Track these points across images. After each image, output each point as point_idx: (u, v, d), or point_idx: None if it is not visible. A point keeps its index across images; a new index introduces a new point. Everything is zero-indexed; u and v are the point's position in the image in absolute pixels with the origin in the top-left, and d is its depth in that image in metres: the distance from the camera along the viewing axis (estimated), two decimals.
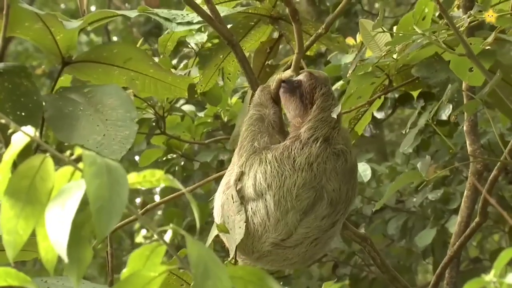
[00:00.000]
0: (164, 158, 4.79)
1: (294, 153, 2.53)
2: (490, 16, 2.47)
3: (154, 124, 4.15)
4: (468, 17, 2.63)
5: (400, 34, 2.69)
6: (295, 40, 2.69)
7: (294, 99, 2.64)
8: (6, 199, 1.34)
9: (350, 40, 3.34)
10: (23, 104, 2.67)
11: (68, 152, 1.37)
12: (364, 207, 5.12)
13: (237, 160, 2.66)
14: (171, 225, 1.43)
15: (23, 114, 2.65)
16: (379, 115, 3.88)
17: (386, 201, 4.58)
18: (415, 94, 3.34)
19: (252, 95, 2.76)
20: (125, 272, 1.41)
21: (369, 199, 5.08)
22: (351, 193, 2.65)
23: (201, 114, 4.48)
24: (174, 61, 4.23)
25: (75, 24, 2.74)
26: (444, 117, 3.28)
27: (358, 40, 3.30)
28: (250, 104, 2.77)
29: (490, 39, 2.67)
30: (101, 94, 2.68)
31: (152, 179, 1.41)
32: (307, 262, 2.84)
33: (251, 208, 2.58)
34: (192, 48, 3.77)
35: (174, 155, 4.82)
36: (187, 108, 4.34)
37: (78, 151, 1.34)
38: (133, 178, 1.40)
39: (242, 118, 2.78)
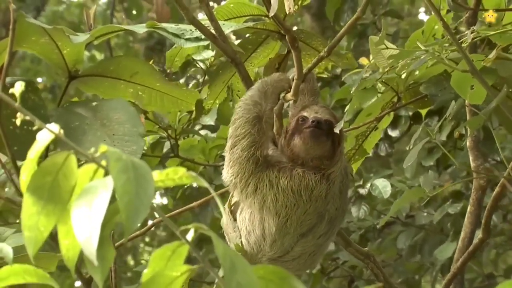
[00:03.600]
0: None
1: (312, 183, 2.50)
2: (490, 16, 2.49)
3: (168, 147, 4.12)
4: (471, 33, 2.65)
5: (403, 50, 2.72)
6: (295, 66, 2.69)
7: (327, 143, 2.56)
8: (28, 196, 1.33)
9: (364, 60, 3.34)
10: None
11: (92, 149, 1.36)
12: (377, 221, 5.16)
13: (231, 163, 2.57)
14: (193, 224, 1.42)
15: (30, 128, 2.64)
16: (394, 133, 3.92)
17: (396, 216, 4.61)
18: (423, 112, 3.35)
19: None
20: (146, 272, 1.40)
21: (380, 212, 5.10)
22: (346, 205, 2.71)
23: (213, 135, 4.45)
24: (182, 80, 4.22)
25: (82, 38, 2.74)
26: None
27: (372, 60, 3.28)
28: (260, 80, 2.70)
29: (492, 56, 2.69)
30: (108, 109, 2.67)
31: (174, 176, 1.41)
32: (309, 268, 2.86)
33: (246, 227, 2.59)
34: (200, 66, 3.74)
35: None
36: (203, 132, 4.32)
37: (102, 148, 1.34)
38: (157, 176, 1.39)
39: None
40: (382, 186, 4.28)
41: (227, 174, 2.57)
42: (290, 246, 2.57)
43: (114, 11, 9.74)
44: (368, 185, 4.40)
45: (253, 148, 2.54)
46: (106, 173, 1.34)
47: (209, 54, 3.51)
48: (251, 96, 2.62)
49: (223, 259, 1.29)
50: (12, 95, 1.43)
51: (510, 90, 2.75)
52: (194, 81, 4.11)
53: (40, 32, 2.73)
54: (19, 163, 2.54)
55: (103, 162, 1.36)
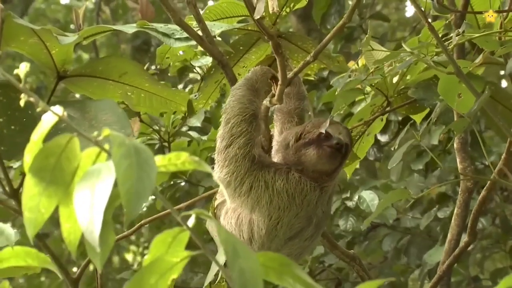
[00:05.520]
0: (169, 183, 4.75)
1: (307, 189, 2.51)
2: (490, 16, 2.51)
3: (159, 149, 4.11)
4: (457, 35, 2.66)
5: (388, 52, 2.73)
6: (279, 72, 2.70)
7: (336, 164, 2.59)
8: (30, 176, 1.33)
9: (352, 64, 3.36)
10: (17, 119, 2.63)
11: (95, 133, 1.36)
12: (363, 226, 5.18)
13: (226, 162, 2.53)
14: (195, 209, 1.42)
15: (17, 128, 2.62)
16: (383, 139, 3.94)
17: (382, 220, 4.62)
18: (417, 117, 3.34)
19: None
20: (147, 258, 1.40)
21: (364, 217, 5.12)
22: (331, 207, 2.73)
23: (204, 138, 4.43)
24: (180, 86, 4.21)
25: (71, 39, 2.73)
26: None
27: (360, 64, 3.25)
28: (243, 78, 2.67)
29: (478, 61, 2.72)
30: (96, 110, 2.66)
31: (177, 161, 1.40)
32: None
33: (231, 232, 2.58)
34: (198, 72, 3.71)
35: (179, 180, 4.78)
36: (190, 133, 4.31)
37: (106, 132, 1.34)
38: (159, 161, 1.39)
39: None
40: (370, 199, 4.32)
41: (221, 173, 2.53)
42: (277, 249, 2.56)
43: (100, 11, 9.73)
44: (356, 197, 4.43)
45: (249, 145, 2.51)
46: (109, 157, 1.34)
47: (208, 60, 3.48)
48: (244, 95, 2.59)
49: (225, 245, 1.28)
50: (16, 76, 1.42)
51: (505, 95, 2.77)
52: (190, 86, 4.10)
53: (28, 32, 2.72)
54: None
55: (106, 146, 1.35)
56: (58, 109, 1.34)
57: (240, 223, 2.56)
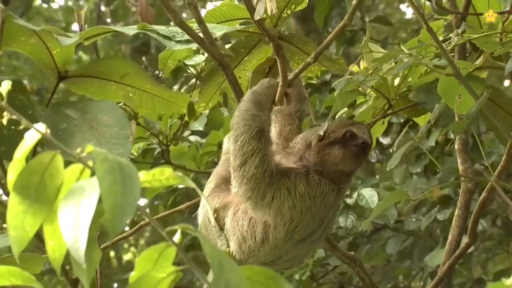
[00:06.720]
0: (170, 188, 4.78)
1: (326, 190, 2.52)
2: (490, 16, 2.49)
3: (159, 154, 4.11)
4: (456, 36, 2.64)
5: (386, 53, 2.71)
6: (279, 73, 2.69)
7: (361, 160, 2.62)
8: (14, 195, 1.33)
9: (353, 67, 3.33)
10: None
11: (78, 150, 1.36)
12: (364, 228, 5.18)
13: (245, 180, 2.52)
14: (180, 224, 1.42)
15: (17, 129, 2.63)
16: (385, 141, 3.91)
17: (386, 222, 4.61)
18: (420, 120, 3.32)
19: None
20: (133, 274, 1.40)
21: (365, 218, 5.12)
22: (337, 210, 2.74)
23: (203, 141, 4.43)
24: (176, 87, 4.20)
25: (72, 39, 2.73)
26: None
27: (362, 67, 3.18)
28: (249, 91, 2.66)
29: (478, 62, 2.69)
30: (96, 111, 2.66)
31: (161, 177, 1.40)
32: (296, 265, 2.89)
33: (241, 233, 2.56)
34: (192, 72, 3.70)
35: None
36: (192, 137, 4.31)
37: (89, 148, 1.34)
38: (143, 177, 1.39)
39: None
40: (369, 196, 4.30)
41: (239, 189, 2.54)
42: (286, 252, 2.57)
43: (101, 12, 9.72)
44: (355, 194, 4.42)
45: (266, 162, 2.51)
46: (93, 173, 1.34)
47: (200, 58, 3.46)
48: (247, 110, 2.57)
49: (211, 259, 1.29)
50: None
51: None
52: (185, 87, 4.09)
53: (29, 33, 2.72)
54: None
55: (90, 163, 1.35)
56: (41, 126, 1.34)
57: (253, 224, 2.55)
